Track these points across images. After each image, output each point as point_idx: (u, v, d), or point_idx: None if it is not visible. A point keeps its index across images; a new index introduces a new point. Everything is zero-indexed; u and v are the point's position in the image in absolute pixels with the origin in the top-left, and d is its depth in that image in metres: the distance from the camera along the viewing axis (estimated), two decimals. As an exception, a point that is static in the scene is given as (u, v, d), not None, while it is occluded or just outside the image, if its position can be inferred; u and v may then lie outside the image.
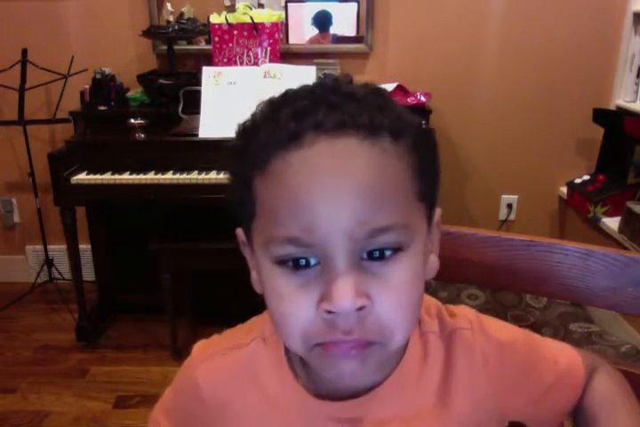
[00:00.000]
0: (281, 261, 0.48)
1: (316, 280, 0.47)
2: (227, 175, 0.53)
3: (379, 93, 0.50)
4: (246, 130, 0.51)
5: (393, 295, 0.47)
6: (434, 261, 0.56)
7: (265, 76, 2.10)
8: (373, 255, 0.47)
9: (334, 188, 0.45)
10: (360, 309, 0.46)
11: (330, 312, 0.46)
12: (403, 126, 0.48)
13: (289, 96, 0.50)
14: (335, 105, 0.46)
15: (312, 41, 2.50)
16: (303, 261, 0.47)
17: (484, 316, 0.61)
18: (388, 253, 0.47)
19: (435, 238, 0.56)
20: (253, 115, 0.51)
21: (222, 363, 0.60)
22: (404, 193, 0.48)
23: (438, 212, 0.55)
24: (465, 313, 0.61)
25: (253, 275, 0.55)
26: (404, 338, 0.50)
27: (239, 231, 0.55)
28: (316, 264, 0.47)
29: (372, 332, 0.47)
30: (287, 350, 0.58)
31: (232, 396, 0.59)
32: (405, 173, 0.48)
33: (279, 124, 0.47)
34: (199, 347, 0.63)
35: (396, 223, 0.46)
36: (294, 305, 0.47)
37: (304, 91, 0.50)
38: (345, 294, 0.45)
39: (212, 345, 0.63)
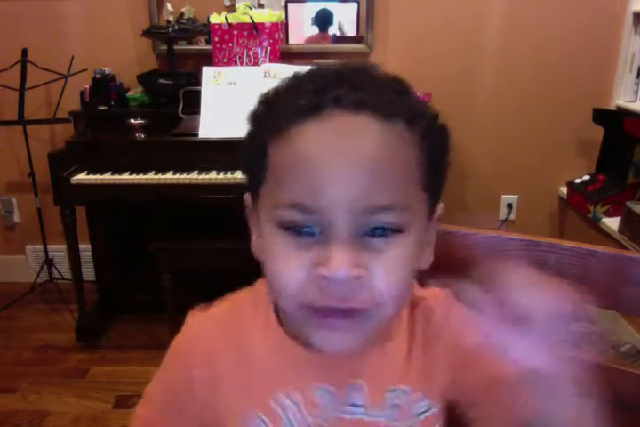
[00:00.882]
0: (285, 227, 0.49)
1: (315, 245, 0.48)
2: (244, 140, 0.55)
3: (400, 82, 0.54)
4: (268, 98, 0.53)
5: (388, 270, 0.49)
6: (429, 253, 0.58)
7: (265, 76, 2.10)
8: (374, 233, 0.49)
9: (345, 159, 0.47)
10: (355, 278, 0.48)
11: (324, 278, 0.47)
12: (418, 115, 0.51)
13: (315, 72, 0.52)
14: (357, 85, 0.49)
15: (311, 40, 2.50)
16: (307, 230, 0.49)
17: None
18: (387, 232, 0.49)
19: (433, 232, 0.58)
20: (277, 86, 0.53)
21: (212, 314, 0.63)
22: (410, 178, 0.50)
23: (441, 207, 0.58)
24: (436, 290, 0.63)
25: (254, 239, 0.57)
26: (392, 313, 0.53)
27: (246, 197, 0.57)
28: (318, 234, 0.49)
29: (364, 302, 0.49)
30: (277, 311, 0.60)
31: (217, 345, 0.61)
32: (414, 159, 0.50)
33: (302, 95, 0.49)
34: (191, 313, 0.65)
35: (398, 204, 0.48)
36: (290, 264, 0.49)
37: (330, 69, 0.52)
38: (342, 261, 0.47)
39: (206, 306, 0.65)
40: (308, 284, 0.49)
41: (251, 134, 0.54)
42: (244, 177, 0.56)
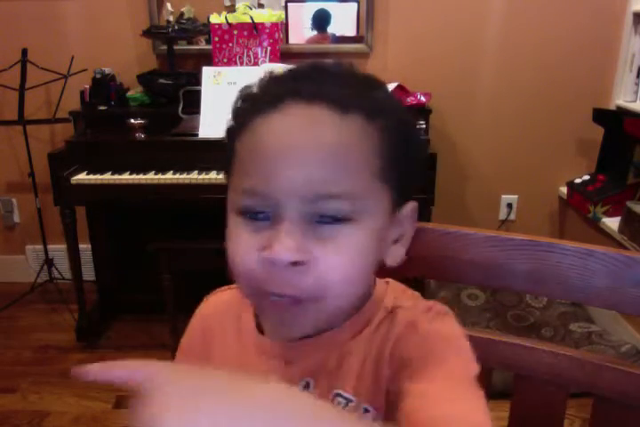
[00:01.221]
0: (243, 213, 0.52)
1: (266, 230, 0.50)
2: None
3: (370, 78, 0.56)
4: (242, 93, 0.57)
5: (335, 258, 0.50)
6: (399, 251, 0.59)
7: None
8: (324, 220, 0.50)
9: (296, 147, 0.49)
10: (295, 263, 0.49)
11: (268, 261, 0.49)
12: (379, 110, 0.52)
13: (287, 69, 0.56)
14: (319, 79, 0.52)
15: (311, 41, 2.50)
16: (262, 215, 0.51)
17: (444, 315, 0.58)
18: (337, 220, 0.50)
19: (406, 231, 0.59)
20: (253, 82, 0.57)
21: (222, 297, 0.68)
22: (363, 168, 0.51)
23: (412, 205, 0.58)
24: (427, 303, 0.59)
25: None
26: (342, 304, 0.53)
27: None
28: (271, 219, 0.51)
29: (308, 291, 0.50)
30: None
31: (219, 326, 0.64)
32: (368, 150, 0.51)
33: (266, 88, 0.54)
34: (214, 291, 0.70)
35: (347, 192, 0.49)
36: (241, 247, 0.51)
37: (300, 66, 0.56)
38: (286, 245, 0.48)
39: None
40: (257, 267, 0.50)
41: (227, 130, 0.57)
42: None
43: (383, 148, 0.52)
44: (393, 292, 0.60)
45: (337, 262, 0.50)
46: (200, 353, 0.65)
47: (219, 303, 0.67)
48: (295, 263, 0.49)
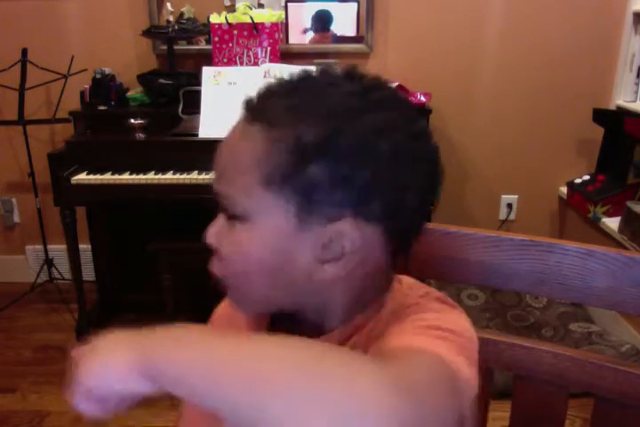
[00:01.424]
0: None
1: None
2: None
3: (313, 85, 0.55)
4: None
5: (231, 248, 0.57)
6: (323, 271, 0.55)
7: (265, 76, 2.10)
8: (231, 217, 0.57)
9: (217, 153, 0.57)
10: (212, 247, 0.58)
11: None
12: (287, 121, 0.52)
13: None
14: (265, 94, 0.56)
15: (313, 42, 2.50)
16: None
17: (435, 300, 0.59)
18: (235, 217, 0.56)
19: (342, 252, 0.54)
20: None
21: None
22: (247, 173, 0.54)
23: (339, 226, 0.53)
24: (424, 292, 0.61)
25: None
26: (250, 290, 0.59)
27: None
28: None
29: (223, 274, 0.59)
30: None
31: (229, 325, 0.70)
32: (255, 156, 0.53)
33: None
34: None
35: (224, 192, 0.56)
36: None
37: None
38: (208, 231, 0.59)
39: None
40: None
41: None
42: None
43: (278, 156, 0.52)
44: (399, 289, 0.61)
45: (230, 251, 0.57)
46: None
47: (227, 303, 0.70)
48: (213, 248, 0.58)
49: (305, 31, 2.48)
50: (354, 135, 0.51)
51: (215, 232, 0.58)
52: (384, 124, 0.52)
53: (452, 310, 0.58)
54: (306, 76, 0.56)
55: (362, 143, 0.51)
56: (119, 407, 0.47)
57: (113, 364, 0.44)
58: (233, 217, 0.56)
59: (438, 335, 0.51)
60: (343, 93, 0.53)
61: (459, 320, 0.57)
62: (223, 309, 0.73)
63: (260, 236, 0.55)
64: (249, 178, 0.54)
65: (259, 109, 0.54)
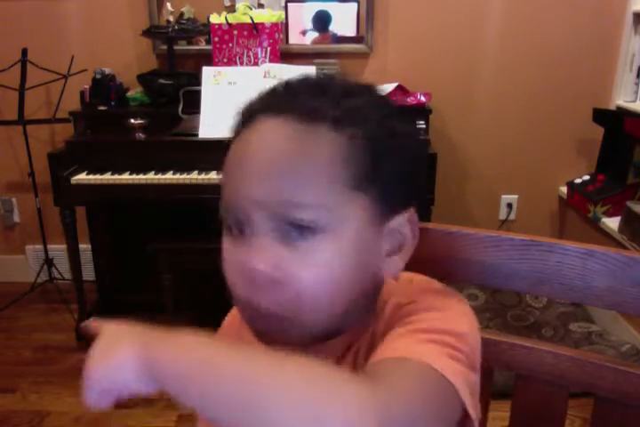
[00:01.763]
0: (225, 226, 0.54)
1: (245, 246, 0.51)
2: None
3: (345, 87, 0.54)
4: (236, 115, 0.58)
5: (311, 272, 0.50)
6: (394, 263, 0.56)
7: (265, 76, 2.10)
8: (297, 231, 0.49)
9: (257, 162, 0.50)
10: (273, 280, 0.49)
11: (247, 274, 0.50)
12: (351, 119, 0.51)
13: (272, 86, 0.56)
14: (290, 91, 0.53)
15: (314, 43, 2.50)
16: (239, 229, 0.52)
17: (436, 291, 0.59)
18: (310, 230, 0.49)
19: (404, 242, 0.56)
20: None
21: None
22: (327, 178, 0.50)
23: (407, 215, 0.55)
24: (426, 283, 0.61)
25: None
26: (322, 316, 0.52)
27: None
28: (248, 232, 0.51)
29: (287, 306, 0.50)
30: None
31: (237, 337, 0.64)
32: (335, 160, 0.50)
33: (246, 106, 0.56)
34: None
35: (309, 202, 0.49)
36: (229, 270, 0.53)
37: (282, 81, 0.55)
38: (257, 261, 0.49)
39: None
40: (245, 286, 0.51)
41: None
42: None
43: (356, 156, 0.50)
44: (396, 284, 0.59)
45: (311, 277, 0.50)
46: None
47: (235, 315, 0.67)
48: (273, 280, 0.49)
49: (304, 33, 2.48)
50: (402, 136, 0.54)
51: (270, 259, 0.49)
52: (409, 128, 0.58)
53: (453, 304, 0.57)
54: (330, 79, 0.56)
55: (408, 143, 0.55)
56: (119, 399, 0.47)
57: (116, 356, 0.45)
58: (303, 230, 0.49)
59: (434, 339, 0.50)
60: (374, 100, 0.56)
61: (463, 318, 0.56)
62: (231, 321, 0.69)
63: (342, 246, 0.51)
64: (334, 181, 0.50)
65: (313, 110, 0.50)
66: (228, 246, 0.53)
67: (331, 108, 0.51)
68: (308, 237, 0.49)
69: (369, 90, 0.56)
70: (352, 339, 0.58)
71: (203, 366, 0.42)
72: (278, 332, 0.52)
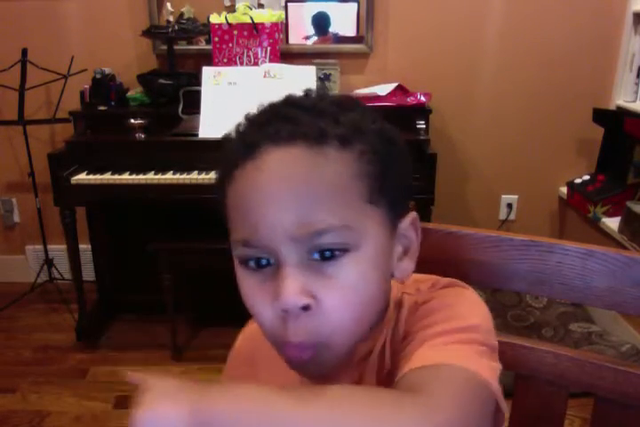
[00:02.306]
0: (243, 262, 0.52)
1: (271, 279, 0.50)
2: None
3: (341, 103, 0.54)
4: (223, 142, 0.56)
5: (339, 295, 0.50)
6: (406, 265, 0.57)
7: (265, 76, 2.10)
8: (322, 256, 0.49)
9: (275, 193, 0.49)
10: (305, 308, 0.49)
11: (283, 311, 0.49)
12: (354, 134, 0.51)
13: (256, 111, 0.55)
14: (290, 118, 0.51)
15: (314, 43, 2.50)
16: (264, 261, 0.51)
17: (445, 286, 0.60)
18: (336, 253, 0.49)
19: (411, 243, 0.58)
20: (234, 126, 0.56)
21: (253, 325, 0.65)
22: (347, 196, 0.50)
23: (411, 216, 0.57)
24: (432, 281, 0.61)
25: None
26: (350, 338, 0.52)
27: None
28: (273, 265, 0.51)
29: (321, 333, 0.50)
30: None
31: (256, 352, 0.65)
32: (349, 177, 0.50)
33: (242, 136, 0.53)
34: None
35: (335, 225, 0.49)
36: (257, 304, 0.52)
37: (270, 105, 0.55)
38: (288, 291, 0.48)
39: None
40: (275, 320, 0.51)
41: (216, 183, 0.57)
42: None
43: (366, 170, 0.51)
44: (401, 288, 0.61)
45: (341, 298, 0.50)
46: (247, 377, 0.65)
47: (255, 333, 0.64)
48: (305, 307, 0.49)
49: (307, 38, 2.48)
50: (397, 142, 0.55)
51: (300, 288, 0.49)
52: (395, 130, 0.57)
53: (463, 295, 0.58)
54: (317, 97, 0.55)
55: (402, 147, 0.56)
56: None
57: (164, 406, 0.42)
58: (329, 255, 0.49)
59: (461, 340, 0.51)
60: (363, 111, 0.56)
61: (473, 307, 0.57)
62: (244, 345, 0.68)
63: (365, 264, 0.51)
64: (351, 199, 0.50)
65: (318, 132, 0.50)
66: (249, 281, 0.52)
67: (333, 127, 0.51)
68: (334, 261, 0.50)
69: (353, 101, 0.56)
70: (371, 343, 0.58)
71: (259, 414, 0.41)
72: (311, 359, 0.52)
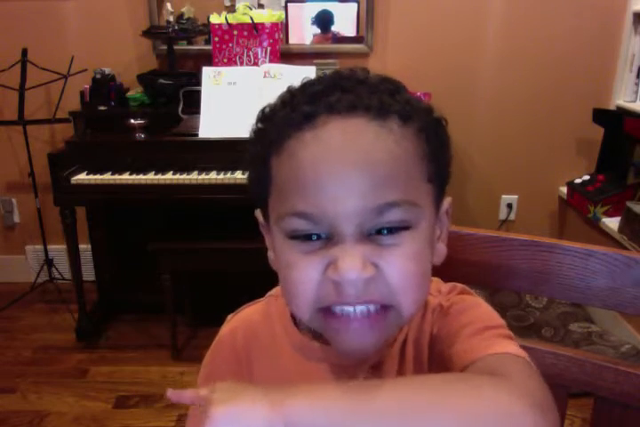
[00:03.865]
0: (292, 236, 0.50)
1: (323, 248, 0.49)
2: (247, 159, 0.56)
3: (390, 81, 0.54)
4: (265, 114, 0.54)
5: (399, 264, 0.49)
6: (442, 248, 0.58)
7: (265, 76, 2.10)
8: (382, 232, 0.49)
9: (342, 164, 0.47)
10: (366, 280, 0.48)
11: (336, 282, 0.48)
12: (412, 111, 0.51)
13: (306, 83, 0.53)
14: (348, 89, 0.50)
15: (314, 41, 2.50)
16: (314, 237, 0.50)
17: (461, 292, 0.61)
18: (395, 230, 0.49)
19: (444, 227, 0.58)
20: (273, 101, 0.54)
21: (245, 314, 0.66)
22: (410, 172, 0.50)
23: (448, 200, 0.57)
24: (447, 285, 0.62)
25: (270, 254, 0.58)
26: (413, 307, 0.52)
27: (257, 213, 0.58)
28: (325, 238, 0.50)
29: (380, 295, 0.50)
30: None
31: (252, 339, 0.63)
32: (412, 153, 0.50)
33: (295, 106, 0.51)
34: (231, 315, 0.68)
35: (402, 200, 0.48)
36: (302, 271, 0.50)
37: (320, 78, 0.54)
38: (352, 264, 0.47)
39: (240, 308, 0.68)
40: (322, 287, 0.49)
41: (253, 151, 0.55)
42: (251, 193, 0.56)
43: (423, 148, 0.51)
44: None
45: (403, 270, 0.49)
46: (235, 375, 0.63)
47: (247, 321, 0.65)
48: (365, 279, 0.48)
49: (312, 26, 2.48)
50: (440, 121, 0.56)
51: (362, 263, 0.48)
52: (435, 109, 0.58)
53: (480, 302, 0.60)
54: (363, 74, 0.55)
55: (444, 126, 0.56)
56: None
57: (244, 402, 0.41)
58: (391, 230, 0.49)
59: (502, 334, 0.55)
60: (406, 90, 0.56)
61: (488, 309, 0.59)
62: (237, 327, 0.65)
63: (422, 238, 0.51)
64: (413, 176, 0.50)
65: (380, 105, 0.49)
66: (298, 257, 0.50)
67: (393, 103, 0.50)
68: (395, 235, 0.49)
69: (398, 81, 0.56)
70: (393, 336, 0.59)
71: (343, 411, 0.42)
72: (363, 333, 0.51)
